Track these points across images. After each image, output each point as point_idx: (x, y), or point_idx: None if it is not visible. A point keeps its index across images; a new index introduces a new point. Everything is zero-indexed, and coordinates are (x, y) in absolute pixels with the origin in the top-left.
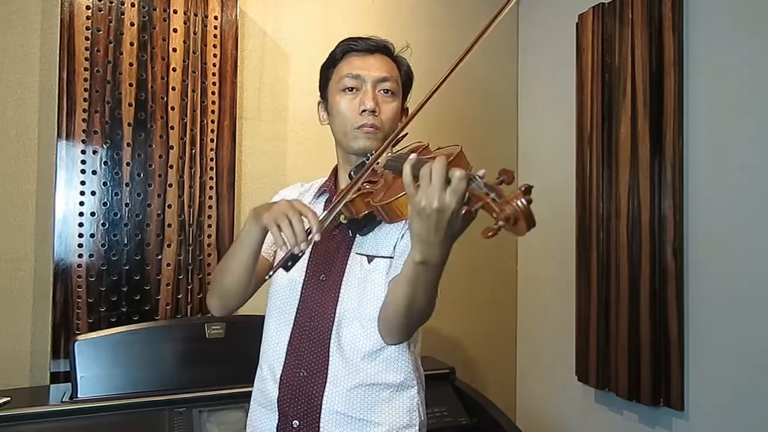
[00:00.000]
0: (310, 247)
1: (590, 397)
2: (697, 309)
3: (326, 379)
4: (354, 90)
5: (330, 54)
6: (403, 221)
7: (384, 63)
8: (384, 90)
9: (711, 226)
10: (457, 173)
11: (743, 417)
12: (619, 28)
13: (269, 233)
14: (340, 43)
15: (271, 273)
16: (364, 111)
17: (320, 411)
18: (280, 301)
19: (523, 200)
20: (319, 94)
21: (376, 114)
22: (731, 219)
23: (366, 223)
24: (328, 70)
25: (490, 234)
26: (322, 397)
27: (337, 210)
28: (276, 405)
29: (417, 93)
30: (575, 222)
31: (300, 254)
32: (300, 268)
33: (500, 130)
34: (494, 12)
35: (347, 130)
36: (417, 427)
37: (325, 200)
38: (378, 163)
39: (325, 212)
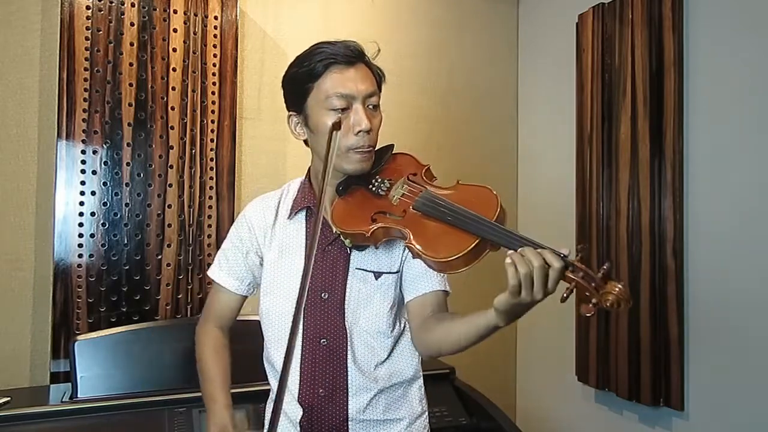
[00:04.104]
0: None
1: (590, 397)
2: (697, 309)
3: (347, 393)
4: (343, 110)
5: (304, 64)
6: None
7: (366, 74)
8: (371, 105)
9: (711, 226)
10: (556, 265)
11: (743, 417)
12: (619, 28)
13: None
14: (317, 53)
15: None
16: (359, 131)
17: (347, 423)
18: (282, 327)
19: (619, 286)
20: (286, 106)
21: (370, 132)
22: (731, 219)
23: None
24: (306, 84)
25: (589, 314)
26: (347, 411)
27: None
28: (299, 425)
29: (418, 91)
30: (575, 222)
31: None
32: (297, 289)
33: (500, 130)
34: (494, 12)
35: (340, 151)
36: (427, 412)
37: (305, 215)
38: (385, 190)
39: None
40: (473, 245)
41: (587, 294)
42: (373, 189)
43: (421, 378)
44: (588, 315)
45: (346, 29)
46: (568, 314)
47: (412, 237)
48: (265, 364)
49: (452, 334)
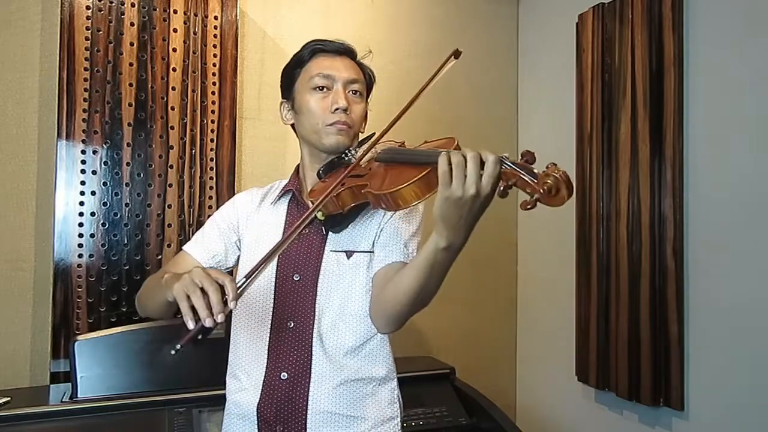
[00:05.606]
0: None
1: (590, 397)
2: (697, 309)
3: (310, 379)
4: (324, 89)
5: (296, 55)
6: (383, 212)
7: (351, 65)
8: (353, 91)
9: (711, 226)
10: (491, 157)
11: (743, 417)
12: (619, 28)
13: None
14: (307, 44)
15: (177, 348)
16: (337, 109)
17: (306, 412)
18: (252, 308)
19: (562, 171)
20: (280, 94)
21: (348, 113)
22: (731, 219)
23: (345, 219)
24: (294, 70)
25: (528, 206)
26: (307, 398)
27: (319, 208)
28: (255, 413)
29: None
30: (575, 222)
31: (213, 326)
32: (269, 271)
33: (500, 130)
34: (494, 13)
35: (319, 127)
36: (398, 419)
37: (288, 199)
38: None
39: (303, 216)
40: (424, 173)
41: (528, 191)
42: (347, 160)
43: (395, 381)
44: (528, 208)
45: (346, 29)
46: (568, 314)
47: (370, 185)
48: (233, 348)
49: (406, 278)
